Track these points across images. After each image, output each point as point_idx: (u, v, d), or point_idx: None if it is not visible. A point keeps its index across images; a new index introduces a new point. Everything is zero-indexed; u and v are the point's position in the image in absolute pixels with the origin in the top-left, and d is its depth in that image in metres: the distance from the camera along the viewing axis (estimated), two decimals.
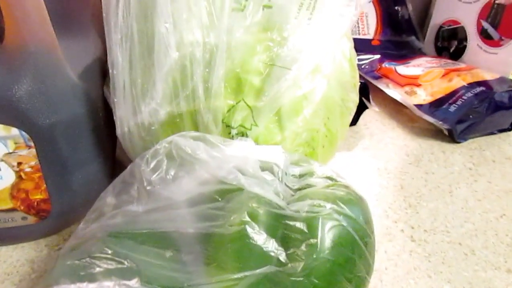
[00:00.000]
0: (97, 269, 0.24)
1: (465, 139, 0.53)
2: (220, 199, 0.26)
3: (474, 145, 0.53)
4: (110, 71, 0.30)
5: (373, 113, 0.58)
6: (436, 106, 0.54)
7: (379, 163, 0.49)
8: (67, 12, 0.35)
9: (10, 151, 0.31)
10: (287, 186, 0.28)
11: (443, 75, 0.57)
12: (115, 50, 0.29)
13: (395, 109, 0.59)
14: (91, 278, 0.23)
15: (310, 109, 0.31)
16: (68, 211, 0.36)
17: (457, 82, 0.55)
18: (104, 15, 0.29)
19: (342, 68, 0.34)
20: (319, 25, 0.29)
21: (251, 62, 0.29)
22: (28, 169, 0.32)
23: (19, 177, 0.32)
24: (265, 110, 0.30)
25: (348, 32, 0.36)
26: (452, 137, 0.53)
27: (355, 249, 0.25)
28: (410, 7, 0.72)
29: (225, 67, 0.29)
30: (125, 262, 0.24)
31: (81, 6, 0.38)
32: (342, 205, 0.25)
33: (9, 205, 0.33)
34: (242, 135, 0.31)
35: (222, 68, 0.29)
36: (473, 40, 0.64)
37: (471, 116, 0.52)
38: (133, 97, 0.30)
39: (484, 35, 0.62)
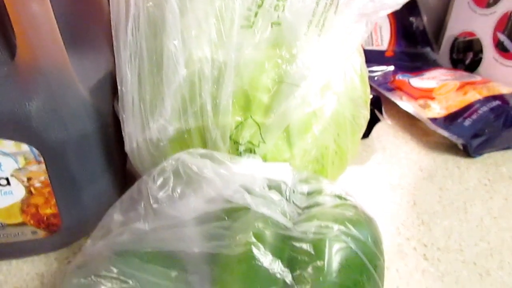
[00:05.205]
0: None
1: (480, 154, 0.52)
2: (226, 218, 0.26)
3: (489, 160, 0.52)
4: (119, 87, 0.30)
5: (385, 126, 0.57)
6: (450, 120, 0.53)
7: (392, 178, 0.48)
8: (78, 28, 0.35)
9: (20, 166, 0.31)
10: (295, 204, 0.28)
11: (458, 88, 0.56)
12: (124, 67, 0.29)
13: (409, 122, 0.58)
14: None
15: (320, 125, 0.31)
16: (78, 225, 0.36)
17: (472, 95, 0.54)
18: (113, 32, 0.29)
19: (353, 84, 0.34)
20: (329, 42, 0.29)
21: (260, 79, 0.29)
22: (38, 184, 0.32)
23: (29, 192, 0.32)
24: (273, 127, 0.30)
25: (359, 47, 0.36)
26: (467, 152, 0.51)
27: (363, 272, 0.24)
28: (425, 18, 0.71)
29: (234, 84, 0.29)
30: (130, 282, 0.24)
31: (92, 22, 0.38)
32: (350, 227, 0.25)
33: (19, 219, 0.33)
34: (250, 152, 0.31)
35: (230, 85, 0.29)
36: (489, 53, 0.63)
37: (486, 131, 0.51)
38: (142, 113, 0.30)
39: (500, 48, 0.61)
